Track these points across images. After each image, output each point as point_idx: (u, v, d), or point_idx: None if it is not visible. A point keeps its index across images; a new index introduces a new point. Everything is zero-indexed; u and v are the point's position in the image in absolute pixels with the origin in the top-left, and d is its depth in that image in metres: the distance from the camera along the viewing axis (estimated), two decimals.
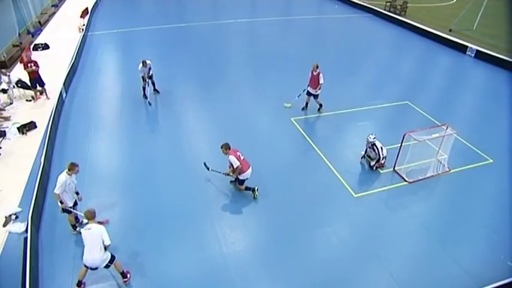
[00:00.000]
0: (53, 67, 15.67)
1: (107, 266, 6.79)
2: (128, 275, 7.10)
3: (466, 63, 19.05)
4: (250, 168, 9.05)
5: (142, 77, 13.40)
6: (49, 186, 9.36)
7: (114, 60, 17.63)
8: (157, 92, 14.23)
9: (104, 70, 16.35)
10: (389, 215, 9.09)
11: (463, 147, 11.53)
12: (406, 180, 10.12)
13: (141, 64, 13.05)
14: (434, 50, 20.57)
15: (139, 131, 11.93)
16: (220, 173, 9.47)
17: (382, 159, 10.31)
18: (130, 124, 12.28)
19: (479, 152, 11.42)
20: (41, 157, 9.77)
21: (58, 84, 13.71)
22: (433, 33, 21.85)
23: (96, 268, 6.63)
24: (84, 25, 21.11)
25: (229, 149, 8.94)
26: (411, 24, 23.44)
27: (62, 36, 20.30)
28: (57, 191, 7.42)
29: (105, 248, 6.58)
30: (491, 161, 11.08)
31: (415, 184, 10.06)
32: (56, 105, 12.30)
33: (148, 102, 13.50)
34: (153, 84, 14.04)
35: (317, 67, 12.30)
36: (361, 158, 10.84)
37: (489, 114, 13.90)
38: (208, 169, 9.75)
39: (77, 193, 8.07)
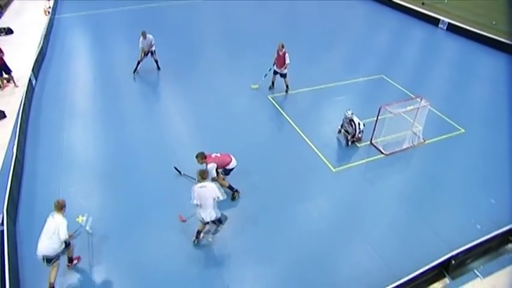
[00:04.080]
0: (19, 53, 15.04)
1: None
2: (75, 261, 7.07)
3: (438, 36, 19.33)
4: (233, 157, 8.60)
5: (142, 49, 13.31)
6: (24, 177, 9.14)
7: (85, 44, 16.98)
8: (159, 68, 14.22)
9: (75, 54, 15.74)
10: (367, 188, 9.34)
11: (436, 118, 11.84)
12: (383, 153, 10.36)
13: (141, 37, 13.07)
14: (408, 23, 20.75)
15: (114, 117, 11.65)
16: (195, 179, 7.68)
17: (359, 133, 10.48)
18: (106, 109, 11.98)
19: (451, 122, 11.77)
20: (13, 147, 9.46)
21: (26, 70, 13.14)
22: (406, 7, 21.95)
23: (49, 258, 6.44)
24: (50, 7, 20.13)
25: (205, 157, 8.09)
26: None
27: (26, 20, 19.36)
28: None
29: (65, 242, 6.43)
30: (463, 130, 11.46)
31: (391, 156, 10.32)
32: (26, 93, 11.81)
33: (134, 77, 13.66)
34: (156, 61, 13.99)
35: (282, 46, 12.19)
36: (338, 132, 10.99)
37: (460, 86, 14.29)
38: (180, 173, 9.22)
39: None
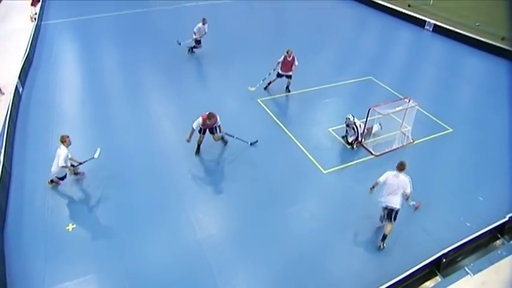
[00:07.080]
0: (5, 60, 14.84)
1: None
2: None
3: (425, 37, 19.61)
4: None
5: (195, 33, 14.86)
6: (11, 186, 8.99)
7: (73, 51, 16.81)
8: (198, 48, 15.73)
9: (62, 61, 15.56)
10: (358, 189, 9.37)
11: (425, 118, 11.98)
12: (372, 154, 10.44)
13: (201, 22, 14.65)
14: (395, 25, 21.00)
15: (103, 123, 11.54)
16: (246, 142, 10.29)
17: (367, 133, 10.55)
18: (94, 116, 11.87)
19: (439, 122, 11.93)
20: None
21: (13, 77, 12.94)
22: (392, 9, 22.23)
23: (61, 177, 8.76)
24: (36, 14, 19.87)
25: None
26: (371, 1, 23.71)
27: (11, 26, 19.06)
28: None
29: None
30: (451, 130, 11.62)
31: (381, 157, 10.40)
32: (13, 101, 11.61)
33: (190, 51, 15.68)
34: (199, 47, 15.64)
35: (291, 52, 12.41)
36: (343, 137, 10.96)
37: (447, 86, 14.49)
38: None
39: None
